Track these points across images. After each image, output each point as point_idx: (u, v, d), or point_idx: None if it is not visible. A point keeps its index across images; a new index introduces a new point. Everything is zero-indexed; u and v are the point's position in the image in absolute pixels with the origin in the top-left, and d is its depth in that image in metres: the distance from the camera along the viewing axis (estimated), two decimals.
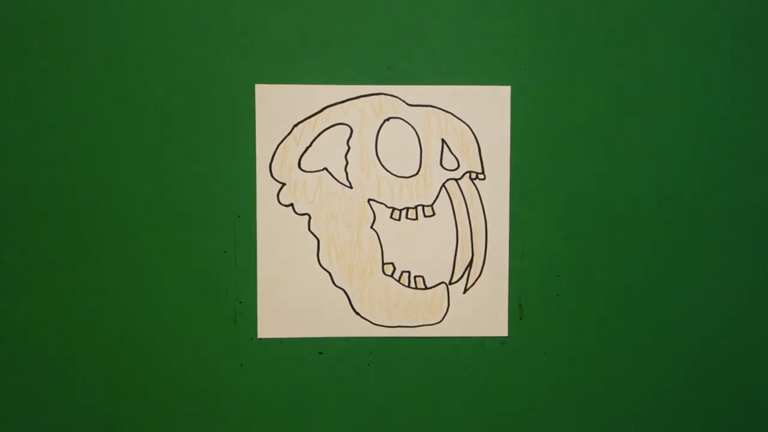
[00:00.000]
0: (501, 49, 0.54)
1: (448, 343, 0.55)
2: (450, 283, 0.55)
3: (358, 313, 0.55)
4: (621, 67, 0.55)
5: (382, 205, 0.55)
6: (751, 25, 0.55)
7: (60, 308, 0.54)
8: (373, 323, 0.55)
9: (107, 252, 0.54)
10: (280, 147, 0.54)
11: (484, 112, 0.54)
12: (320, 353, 0.55)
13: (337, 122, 0.54)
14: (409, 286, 0.55)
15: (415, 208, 0.55)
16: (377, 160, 0.55)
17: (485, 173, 0.55)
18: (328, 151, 0.54)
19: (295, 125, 0.54)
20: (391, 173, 0.55)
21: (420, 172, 0.55)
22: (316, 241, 0.55)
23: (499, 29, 0.54)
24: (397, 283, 0.55)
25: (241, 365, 0.55)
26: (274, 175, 0.54)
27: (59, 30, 0.53)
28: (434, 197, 0.55)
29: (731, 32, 0.55)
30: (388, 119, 0.54)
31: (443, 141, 0.55)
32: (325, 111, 0.54)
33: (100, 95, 0.53)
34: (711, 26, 0.55)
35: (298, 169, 0.54)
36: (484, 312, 0.55)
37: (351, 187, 0.55)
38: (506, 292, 0.55)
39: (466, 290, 0.55)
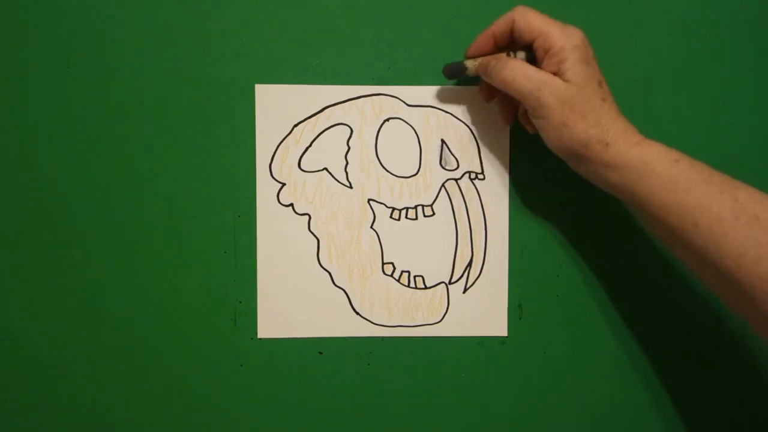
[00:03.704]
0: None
1: (448, 342, 0.55)
2: (450, 283, 0.55)
3: (358, 313, 0.55)
4: (621, 67, 0.55)
5: (382, 205, 0.55)
6: (753, 25, 0.55)
7: (58, 308, 0.54)
8: (373, 323, 0.55)
9: (106, 252, 0.54)
10: (280, 147, 0.54)
11: (484, 112, 0.54)
12: (320, 353, 0.55)
13: (337, 122, 0.54)
14: (408, 286, 0.55)
15: (415, 208, 0.55)
16: (377, 160, 0.55)
17: (485, 173, 0.55)
18: (328, 151, 0.54)
19: (295, 125, 0.54)
20: (391, 173, 0.55)
21: (420, 172, 0.55)
22: (316, 241, 0.55)
23: None
24: (397, 282, 0.55)
25: (241, 365, 0.55)
26: (274, 175, 0.54)
27: (59, 30, 0.53)
28: (434, 197, 0.55)
29: (733, 32, 0.55)
30: (387, 119, 0.55)
31: (442, 141, 0.55)
32: (325, 111, 0.54)
33: (99, 95, 0.53)
34: (712, 26, 0.55)
35: (298, 169, 0.54)
36: (483, 312, 0.55)
37: (351, 187, 0.55)
38: (506, 292, 0.55)
39: (465, 290, 0.55)
